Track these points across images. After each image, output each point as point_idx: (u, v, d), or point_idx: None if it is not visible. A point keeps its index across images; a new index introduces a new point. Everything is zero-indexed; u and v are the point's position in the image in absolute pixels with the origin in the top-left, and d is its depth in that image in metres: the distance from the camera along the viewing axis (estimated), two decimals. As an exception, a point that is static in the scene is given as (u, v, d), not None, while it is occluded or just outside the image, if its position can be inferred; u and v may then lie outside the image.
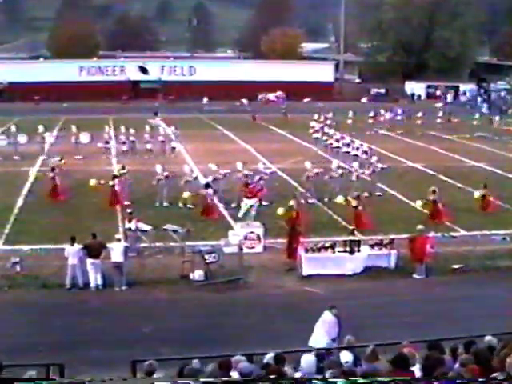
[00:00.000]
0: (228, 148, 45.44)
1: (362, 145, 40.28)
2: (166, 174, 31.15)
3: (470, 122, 60.00)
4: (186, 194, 29.91)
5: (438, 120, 58.12)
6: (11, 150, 41.71)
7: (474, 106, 75.70)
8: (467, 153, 44.83)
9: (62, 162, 35.08)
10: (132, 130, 43.29)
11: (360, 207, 27.08)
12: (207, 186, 29.59)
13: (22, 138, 43.21)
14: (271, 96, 77.91)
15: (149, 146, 42.50)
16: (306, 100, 76.06)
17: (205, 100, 72.31)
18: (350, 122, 55.80)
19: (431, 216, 28.31)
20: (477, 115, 62.30)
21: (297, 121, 59.09)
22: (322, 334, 15.28)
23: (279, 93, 77.57)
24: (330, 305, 15.88)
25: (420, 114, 58.77)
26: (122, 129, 44.21)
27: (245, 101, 72.37)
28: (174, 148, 43.20)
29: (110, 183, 30.31)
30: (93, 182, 31.61)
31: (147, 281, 21.64)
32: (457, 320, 17.70)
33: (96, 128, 45.35)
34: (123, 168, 32.54)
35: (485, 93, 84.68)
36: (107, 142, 42.39)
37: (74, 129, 44.06)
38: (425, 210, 28.84)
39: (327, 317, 15.53)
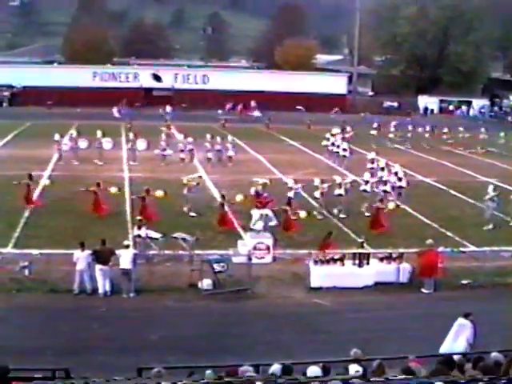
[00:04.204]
0: (240, 158, 45.34)
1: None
2: (299, 186, 31.28)
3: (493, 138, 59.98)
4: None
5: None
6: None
7: (486, 121, 75.39)
8: (478, 168, 44.77)
9: (200, 178, 34.06)
10: (190, 139, 43.81)
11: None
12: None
13: (83, 143, 44.14)
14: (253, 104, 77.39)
15: (209, 155, 42.98)
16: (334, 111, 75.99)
17: (167, 108, 70.09)
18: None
19: None
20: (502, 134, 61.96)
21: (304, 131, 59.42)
22: (450, 338, 16.03)
23: (252, 103, 77.07)
24: (465, 312, 16.30)
25: (446, 130, 59.31)
26: (180, 137, 44.90)
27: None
28: (230, 157, 43.19)
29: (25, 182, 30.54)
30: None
31: (155, 288, 21.66)
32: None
33: (113, 134, 45.40)
34: (270, 181, 32.41)
35: (500, 109, 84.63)
36: (164, 150, 42.66)
37: (130, 135, 44.61)
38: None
39: (462, 321, 16.17)
